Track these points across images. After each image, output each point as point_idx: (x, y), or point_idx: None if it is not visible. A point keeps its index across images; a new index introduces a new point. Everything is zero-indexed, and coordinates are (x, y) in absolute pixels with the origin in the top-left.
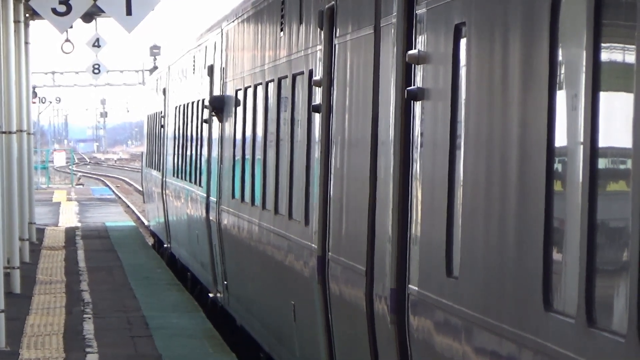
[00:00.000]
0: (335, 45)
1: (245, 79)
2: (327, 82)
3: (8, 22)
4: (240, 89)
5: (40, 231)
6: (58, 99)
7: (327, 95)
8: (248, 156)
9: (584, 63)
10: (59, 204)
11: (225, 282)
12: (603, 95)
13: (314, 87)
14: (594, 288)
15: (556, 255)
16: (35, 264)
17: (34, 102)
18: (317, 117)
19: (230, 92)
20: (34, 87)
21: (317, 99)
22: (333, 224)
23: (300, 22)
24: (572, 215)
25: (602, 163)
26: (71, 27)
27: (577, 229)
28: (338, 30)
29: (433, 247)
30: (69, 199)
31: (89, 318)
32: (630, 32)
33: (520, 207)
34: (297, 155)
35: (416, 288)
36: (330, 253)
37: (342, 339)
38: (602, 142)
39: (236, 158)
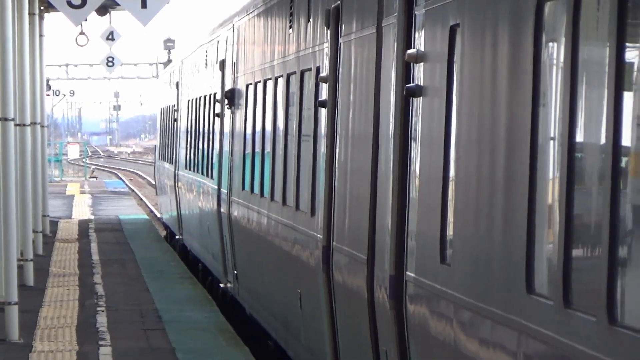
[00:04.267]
0: (340, 43)
1: (255, 74)
2: (333, 79)
3: (23, 14)
4: (250, 84)
5: (54, 224)
6: (72, 92)
7: (333, 91)
8: (258, 149)
9: (566, 61)
10: (72, 196)
11: (235, 272)
12: (584, 92)
13: (320, 83)
14: (569, 273)
15: (537, 244)
16: (48, 257)
17: (48, 95)
18: (323, 113)
19: (241, 86)
20: (47, 80)
21: (324, 94)
22: (337, 215)
23: (308, 20)
24: (552, 208)
25: (579, 159)
26: (86, 20)
27: (556, 221)
28: (343, 29)
29: (428, 236)
30: (82, 192)
31: (102, 311)
32: (607, 33)
33: (506, 198)
34: (304, 148)
35: (413, 275)
36: (334, 243)
37: (344, 324)
38: (580, 138)
39: (246, 151)
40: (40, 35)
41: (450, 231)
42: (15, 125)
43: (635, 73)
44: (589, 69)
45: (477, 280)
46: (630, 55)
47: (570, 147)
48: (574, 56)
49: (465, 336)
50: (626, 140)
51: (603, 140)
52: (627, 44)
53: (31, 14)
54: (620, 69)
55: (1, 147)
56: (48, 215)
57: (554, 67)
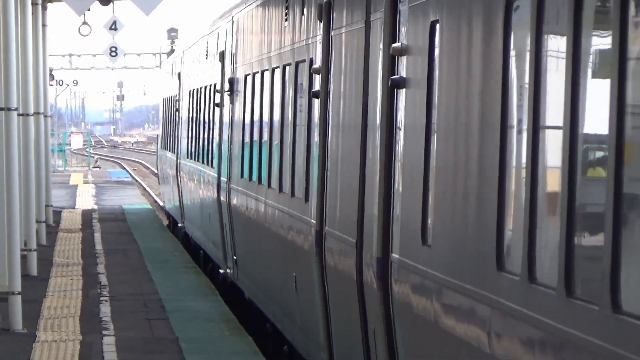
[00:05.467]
0: (332, 36)
1: (253, 65)
2: (325, 70)
3: (25, 4)
4: (249, 74)
5: (57, 214)
6: (75, 82)
7: (325, 82)
8: (256, 138)
9: (530, 54)
10: (75, 186)
11: (235, 258)
12: (547, 81)
13: (313, 74)
14: (533, 251)
15: (506, 226)
16: (52, 247)
17: (51, 85)
18: (316, 103)
19: (240, 77)
20: (51, 70)
21: (316, 85)
22: (329, 200)
23: (302, 13)
24: (519, 194)
25: (543, 149)
26: (89, 9)
27: (522, 206)
28: (334, 22)
29: (411, 219)
30: (86, 182)
31: (106, 301)
32: (568, 28)
33: (480, 184)
34: (299, 137)
35: (397, 256)
36: (326, 227)
37: (336, 305)
38: (545, 129)
39: (245, 140)
40: (43, 25)
41: (430, 214)
42: (19, 115)
43: (595, 65)
44: (553, 61)
45: (455, 259)
46: (590, 48)
47: (534, 137)
48: (538, 49)
49: (444, 312)
50: (584, 128)
51: (566, 131)
52: (585, 38)
53: (34, 4)
54: (577, 60)
55: (4, 137)
56: (51, 205)
57: (521, 60)
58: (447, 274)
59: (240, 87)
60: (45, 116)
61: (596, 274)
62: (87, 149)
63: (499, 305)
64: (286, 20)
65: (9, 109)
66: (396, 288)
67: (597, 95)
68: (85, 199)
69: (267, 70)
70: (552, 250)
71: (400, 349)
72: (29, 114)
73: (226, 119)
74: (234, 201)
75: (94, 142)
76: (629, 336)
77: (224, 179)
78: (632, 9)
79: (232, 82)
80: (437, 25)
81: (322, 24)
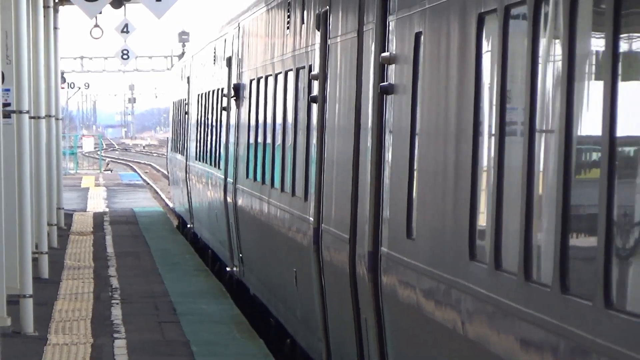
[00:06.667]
0: (328, 44)
1: (258, 70)
2: (322, 77)
3: (37, 7)
4: (254, 79)
5: (69, 216)
6: (87, 85)
7: (322, 88)
8: (260, 140)
9: (498, 64)
10: (87, 189)
11: (240, 255)
12: (511, 87)
13: (312, 80)
14: (499, 242)
15: (478, 221)
16: (63, 249)
17: (63, 88)
18: (314, 107)
19: (245, 81)
20: (62, 73)
21: (315, 91)
22: (326, 199)
23: (302, 22)
24: (487, 192)
25: (509, 151)
26: (100, 12)
27: (490, 204)
28: (331, 31)
29: (398, 215)
30: (97, 185)
31: (117, 304)
32: (531, 39)
33: (455, 183)
34: (300, 140)
35: (386, 250)
36: (323, 225)
37: (332, 298)
38: (512, 132)
39: (250, 142)
40: (55, 28)
41: (414, 210)
42: (30, 117)
43: (556, 72)
44: (517, 69)
45: (434, 251)
46: (551, 56)
47: (500, 142)
48: (504, 59)
49: (425, 298)
50: (543, 133)
51: (525, 135)
52: (542, 47)
53: (46, 7)
54: (535, 68)
55: (16, 139)
56: (63, 208)
57: (490, 67)
58: (429, 264)
59: (246, 91)
60: (57, 119)
61: (549, 261)
62: (99, 152)
63: (471, 291)
64: (288, 28)
65: (20, 112)
66: (385, 279)
67: (558, 100)
68: (97, 202)
69: (271, 75)
70: (514, 242)
71: (389, 336)
72: (40, 116)
73: (232, 122)
74: (240, 201)
75: (106, 145)
76: (574, 313)
77: (230, 179)
78: (581, 21)
79: (238, 87)
80: (421, 36)
81: (319, 33)
